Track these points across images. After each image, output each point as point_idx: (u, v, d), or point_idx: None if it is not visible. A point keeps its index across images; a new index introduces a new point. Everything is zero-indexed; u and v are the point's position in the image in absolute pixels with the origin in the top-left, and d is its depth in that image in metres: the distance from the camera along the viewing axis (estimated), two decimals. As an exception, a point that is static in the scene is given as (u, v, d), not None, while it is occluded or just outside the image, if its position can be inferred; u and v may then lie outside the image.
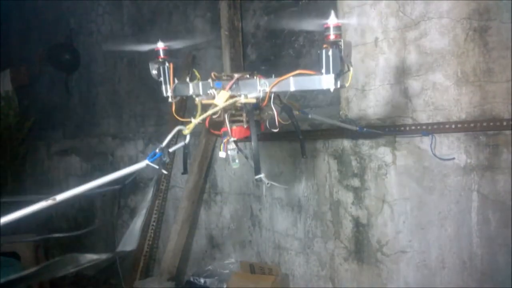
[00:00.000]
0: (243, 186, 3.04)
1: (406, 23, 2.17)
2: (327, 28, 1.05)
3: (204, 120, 1.22)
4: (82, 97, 4.54)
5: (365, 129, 2.16)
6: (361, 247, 2.43)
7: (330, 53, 1.05)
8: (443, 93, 2.08)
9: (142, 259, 3.35)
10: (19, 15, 5.20)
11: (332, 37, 1.04)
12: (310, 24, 2.79)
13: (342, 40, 1.04)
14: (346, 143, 2.46)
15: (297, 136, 1.49)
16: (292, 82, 1.16)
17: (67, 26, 4.56)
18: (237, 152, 1.23)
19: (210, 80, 1.29)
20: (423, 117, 2.14)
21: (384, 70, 2.26)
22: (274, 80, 1.19)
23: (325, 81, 1.08)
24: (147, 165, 1.19)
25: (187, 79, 1.35)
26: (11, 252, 3.37)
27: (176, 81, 1.36)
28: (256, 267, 2.85)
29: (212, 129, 1.29)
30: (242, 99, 1.20)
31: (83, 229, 4.39)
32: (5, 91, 5.12)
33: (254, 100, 1.21)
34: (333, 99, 2.66)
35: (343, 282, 2.53)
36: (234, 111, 1.25)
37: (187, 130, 1.23)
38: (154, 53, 1.38)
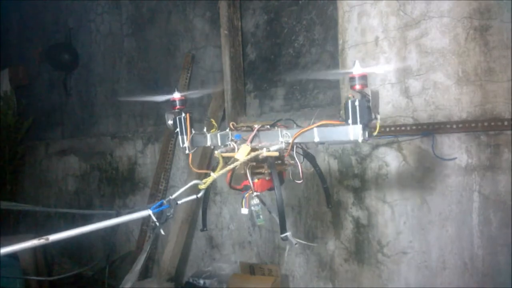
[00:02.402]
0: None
1: (407, 22, 2.16)
2: (352, 78, 1.02)
3: (224, 170, 1.14)
4: (81, 96, 4.52)
5: (367, 137, 2.14)
6: (361, 247, 2.42)
7: (356, 103, 1.01)
8: (444, 93, 2.07)
9: (141, 260, 3.33)
10: (18, 15, 5.18)
11: (357, 87, 1.01)
12: (310, 24, 2.78)
13: (370, 90, 1.01)
14: (347, 143, 2.44)
15: (322, 185, 1.41)
16: (316, 133, 1.11)
17: (66, 26, 4.55)
18: (260, 207, 1.17)
19: (227, 130, 1.25)
20: (424, 117, 2.13)
21: (385, 70, 2.24)
22: (296, 130, 1.14)
23: (353, 132, 1.04)
24: (149, 211, 1.12)
25: (204, 130, 1.30)
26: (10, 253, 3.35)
27: (193, 131, 1.32)
28: (256, 268, 2.83)
29: (233, 184, 1.21)
30: (264, 153, 1.13)
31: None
32: (4, 91, 5.11)
33: (277, 154, 1.15)
34: (334, 98, 2.64)
35: (343, 283, 2.51)
36: (255, 163, 1.19)
37: (203, 185, 1.13)
38: (170, 103, 1.32)
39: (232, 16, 2.97)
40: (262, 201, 1.21)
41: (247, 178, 1.15)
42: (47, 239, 0.99)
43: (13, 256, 3.28)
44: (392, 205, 2.28)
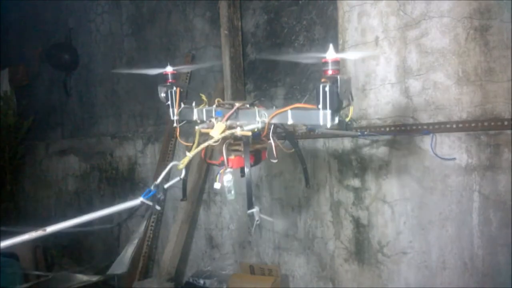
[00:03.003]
0: (242, 186, 3.02)
1: (407, 22, 2.16)
2: (325, 63, 1.02)
3: (199, 148, 1.20)
4: (81, 96, 4.52)
5: (365, 132, 2.15)
6: (361, 247, 2.41)
7: (327, 88, 1.01)
8: (444, 93, 2.07)
9: (141, 260, 3.33)
10: (18, 14, 5.18)
11: (330, 72, 1.01)
12: (310, 24, 2.78)
13: (338, 76, 1.01)
14: (347, 143, 2.44)
15: (301, 166, 1.47)
16: (290, 115, 1.15)
17: (66, 26, 4.55)
18: (233, 183, 1.22)
19: (213, 106, 1.28)
20: (424, 117, 2.13)
21: (385, 70, 2.25)
22: (273, 111, 1.18)
23: (322, 117, 1.05)
24: (142, 202, 1.17)
25: (193, 104, 1.36)
26: (10, 253, 3.35)
27: (182, 105, 1.38)
28: (256, 268, 2.83)
29: (209, 159, 1.30)
30: (238, 132, 1.18)
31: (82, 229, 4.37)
32: (4, 91, 5.10)
33: (249, 133, 1.19)
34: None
35: (343, 283, 2.51)
36: (232, 140, 1.24)
37: (181, 165, 1.22)
38: (163, 76, 1.39)
39: (232, 16, 2.97)
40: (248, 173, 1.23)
41: (222, 155, 1.20)
42: (44, 230, 1.02)
43: (13, 256, 3.29)
44: (392, 205, 2.28)
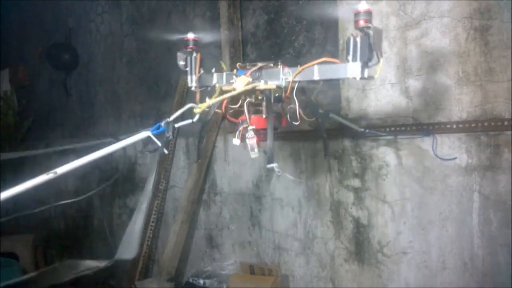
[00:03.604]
0: (243, 186, 3.03)
1: (407, 22, 2.16)
2: (357, 13, 0.98)
3: (220, 98, 1.14)
4: (81, 96, 4.52)
5: (367, 130, 2.15)
6: (361, 247, 2.42)
7: (358, 39, 0.97)
8: (444, 93, 2.07)
9: (141, 260, 3.33)
10: (18, 14, 5.18)
11: (362, 22, 0.97)
12: (310, 24, 2.78)
13: (372, 26, 0.96)
14: (347, 143, 2.44)
15: (321, 135, 1.40)
16: (317, 71, 1.10)
17: (66, 26, 4.55)
18: (255, 141, 1.16)
19: (234, 70, 1.25)
20: (424, 117, 2.13)
21: (385, 70, 2.24)
22: (298, 68, 1.13)
23: (351, 70, 1.00)
24: (149, 136, 1.15)
25: (213, 70, 1.32)
26: (10, 253, 3.36)
27: (202, 71, 1.34)
28: (256, 268, 2.83)
29: (230, 116, 1.23)
30: (262, 85, 1.13)
31: (82, 229, 4.38)
32: (4, 91, 5.11)
33: (273, 86, 1.14)
34: (334, 98, 2.64)
35: (343, 283, 2.51)
36: (254, 100, 1.19)
37: (198, 109, 1.16)
38: (183, 42, 1.34)
39: (232, 16, 2.97)
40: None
41: (244, 114, 1.16)
42: (55, 172, 1.00)
43: (13, 256, 3.29)
44: (392, 205, 2.28)
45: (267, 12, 2.99)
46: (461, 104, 2.03)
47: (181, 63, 1.35)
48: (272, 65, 1.22)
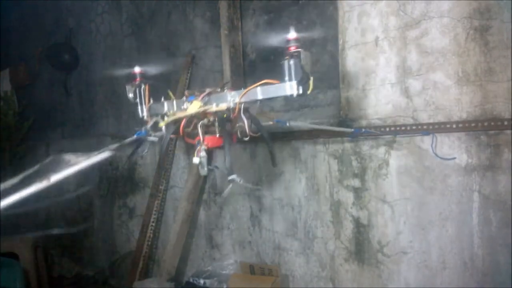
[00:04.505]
0: (243, 186, 3.03)
1: (407, 22, 2.16)
2: (288, 41, 1.18)
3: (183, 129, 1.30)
4: (81, 97, 4.52)
5: (363, 130, 2.16)
6: (361, 247, 2.42)
7: (291, 62, 1.17)
8: (444, 93, 2.07)
9: (141, 260, 3.33)
10: (18, 14, 5.18)
11: (292, 48, 1.17)
12: (310, 24, 2.78)
13: (301, 51, 1.16)
14: (347, 143, 2.44)
15: (268, 147, 1.56)
16: (259, 92, 1.26)
17: (66, 26, 4.55)
18: (206, 160, 1.31)
19: (183, 98, 1.38)
20: (424, 117, 2.13)
21: (385, 70, 2.25)
22: (242, 91, 1.29)
23: (289, 88, 1.19)
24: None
25: (162, 99, 1.44)
26: (10, 253, 3.35)
27: (151, 101, 1.46)
28: (256, 268, 2.83)
29: (187, 138, 1.38)
30: (213, 108, 1.29)
31: (83, 229, 4.38)
32: (4, 91, 5.11)
33: (224, 107, 1.29)
34: (333, 98, 2.64)
35: (343, 283, 2.52)
36: (206, 122, 1.34)
37: (162, 123, 1.36)
38: (131, 76, 1.46)
39: (232, 16, 2.98)
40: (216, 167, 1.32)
41: (199, 135, 1.31)
42: (49, 180, 1.05)
43: (13, 256, 3.29)
44: (392, 205, 2.28)
45: (267, 12, 2.99)
46: (461, 104, 2.03)
47: (130, 95, 1.49)
48: (219, 89, 1.38)
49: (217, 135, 1.32)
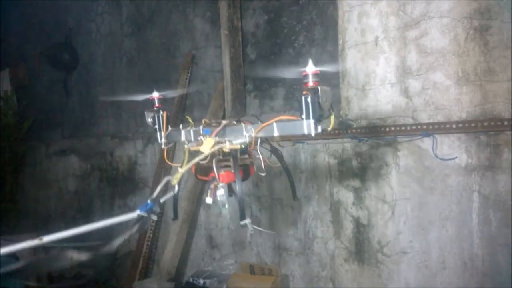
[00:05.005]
0: (242, 186, 3.03)
1: (407, 22, 2.16)
2: (306, 76, 1.09)
3: (194, 165, 1.24)
4: (81, 96, 4.52)
5: (366, 139, 2.16)
6: (361, 247, 2.42)
7: (309, 99, 1.08)
8: (444, 93, 2.07)
9: (141, 260, 3.33)
10: (18, 15, 5.18)
11: (310, 84, 1.09)
12: (310, 24, 2.78)
13: (319, 87, 1.08)
14: (347, 144, 2.44)
15: (288, 179, 1.49)
16: (276, 128, 1.19)
17: (66, 26, 4.55)
18: (227, 197, 1.26)
19: (200, 127, 1.33)
20: (423, 117, 2.13)
21: (385, 70, 2.25)
22: (259, 125, 1.22)
23: (307, 127, 1.10)
24: (139, 215, 1.21)
25: (181, 126, 1.40)
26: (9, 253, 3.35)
27: (169, 128, 1.43)
28: (256, 268, 2.83)
29: (199, 175, 1.32)
30: (227, 146, 1.22)
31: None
32: (4, 91, 5.10)
33: (238, 146, 1.23)
34: (334, 98, 2.64)
35: (343, 282, 2.51)
36: (221, 156, 1.27)
37: (174, 180, 1.28)
38: (149, 102, 1.43)
39: (232, 16, 2.97)
40: (233, 192, 1.28)
41: (213, 171, 1.24)
42: (41, 239, 1.05)
43: (13, 256, 3.29)
44: (392, 205, 2.28)
45: (267, 12, 2.99)
46: (460, 104, 2.03)
47: (149, 120, 1.44)
48: (235, 122, 1.30)
49: (233, 170, 1.24)
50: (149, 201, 1.25)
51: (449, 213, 2.10)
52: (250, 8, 3.06)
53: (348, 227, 2.47)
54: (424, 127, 2.11)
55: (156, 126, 1.43)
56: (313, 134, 1.09)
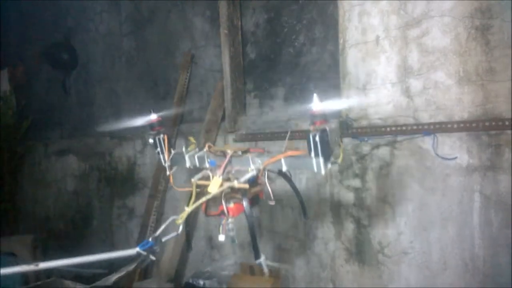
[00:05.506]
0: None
1: (408, 22, 2.15)
2: (313, 115, 1.08)
3: (197, 203, 1.21)
4: (80, 96, 4.51)
5: (367, 139, 2.15)
6: (362, 248, 2.41)
7: (317, 138, 1.08)
8: (445, 92, 2.06)
9: (141, 260, 3.31)
10: (17, 14, 5.16)
11: (318, 124, 1.08)
12: (310, 23, 2.77)
13: (327, 128, 1.08)
14: (347, 144, 2.43)
15: (297, 199, 1.49)
16: (284, 162, 1.20)
17: (65, 25, 4.53)
18: (235, 231, 1.23)
19: (205, 152, 1.31)
20: (425, 117, 2.12)
21: (386, 69, 2.23)
22: (266, 158, 1.21)
23: (316, 165, 1.11)
24: (138, 252, 1.19)
25: (183, 149, 1.38)
26: (9, 253, 3.34)
27: (172, 151, 1.41)
28: (256, 269, 2.82)
29: (209, 211, 1.28)
30: (235, 185, 1.19)
31: (82, 230, 4.36)
32: (3, 91, 5.09)
33: (247, 186, 1.20)
34: (334, 98, 2.63)
35: (344, 283, 2.50)
36: (230, 189, 1.24)
37: (180, 220, 1.24)
38: (150, 125, 1.42)
39: (232, 15, 2.96)
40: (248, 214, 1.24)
41: (222, 205, 1.21)
42: (37, 265, 1.05)
43: (12, 255, 3.28)
44: (393, 205, 2.27)
45: (267, 11, 2.97)
46: (462, 103, 2.02)
47: (151, 141, 1.43)
48: (240, 153, 1.28)
49: (241, 202, 1.22)
50: (150, 239, 1.22)
51: (450, 213, 2.09)
52: (250, 7, 3.05)
53: (349, 228, 2.46)
54: (425, 127, 2.09)
55: (158, 149, 1.41)
56: (323, 172, 1.10)
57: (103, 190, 4.17)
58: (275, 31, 2.94)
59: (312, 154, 1.09)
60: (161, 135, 1.41)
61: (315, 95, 1.07)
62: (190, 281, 2.97)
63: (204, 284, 2.88)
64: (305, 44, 2.80)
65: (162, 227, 1.25)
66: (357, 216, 2.41)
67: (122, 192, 3.96)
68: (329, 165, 1.11)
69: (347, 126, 2.34)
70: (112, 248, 4.04)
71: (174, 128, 3.38)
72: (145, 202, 3.48)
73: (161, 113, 1.44)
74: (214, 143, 3.15)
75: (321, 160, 1.09)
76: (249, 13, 3.06)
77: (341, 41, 2.38)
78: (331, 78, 2.64)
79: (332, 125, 1.06)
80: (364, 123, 2.32)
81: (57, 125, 4.79)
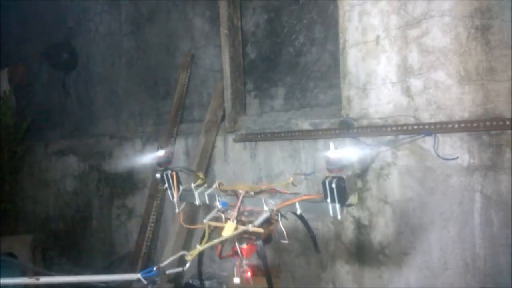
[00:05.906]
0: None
1: (408, 21, 2.15)
2: (329, 162, 1.08)
3: (209, 244, 1.20)
4: (80, 96, 4.50)
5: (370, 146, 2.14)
6: (362, 248, 2.40)
7: (333, 185, 1.07)
8: (446, 92, 2.06)
9: (140, 260, 3.31)
10: (17, 14, 5.17)
11: (335, 171, 1.08)
12: (310, 23, 2.76)
13: (345, 177, 1.07)
14: (348, 143, 2.43)
15: (309, 233, 1.49)
16: (299, 206, 1.19)
17: (65, 25, 4.54)
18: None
19: (216, 191, 1.30)
20: (425, 116, 2.12)
21: (386, 69, 2.23)
22: (279, 200, 1.20)
23: (332, 210, 1.11)
24: (139, 278, 1.18)
25: (192, 185, 1.37)
26: (9, 253, 3.34)
27: (181, 188, 1.40)
28: (256, 269, 2.81)
29: (223, 254, 1.27)
30: (250, 228, 1.18)
31: (81, 230, 4.36)
32: (3, 91, 5.09)
33: (261, 230, 1.19)
34: (334, 98, 2.63)
35: (344, 284, 2.50)
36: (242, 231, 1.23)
37: (189, 257, 1.20)
38: (157, 162, 1.41)
39: (232, 15, 2.96)
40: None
41: (235, 244, 1.20)
42: (38, 279, 1.06)
43: (11, 256, 3.27)
44: (393, 205, 2.27)
45: (267, 11, 2.97)
46: (462, 103, 2.02)
47: (158, 176, 1.43)
48: (253, 193, 1.27)
49: (255, 243, 1.21)
50: (154, 269, 1.21)
51: (451, 213, 2.09)
52: (250, 7, 3.05)
53: (349, 228, 2.45)
54: (426, 126, 2.09)
55: (166, 185, 1.40)
56: (339, 217, 1.10)
57: (102, 190, 4.17)
58: (275, 31, 2.93)
59: (329, 199, 1.09)
60: (169, 171, 1.39)
61: (331, 144, 1.08)
62: (190, 281, 2.96)
63: (204, 284, 2.88)
64: (305, 44, 2.80)
65: (169, 259, 1.22)
66: (357, 216, 2.41)
67: (121, 192, 3.96)
68: (345, 210, 1.10)
69: (348, 125, 2.34)
70: (112, 248, 4.04)
71: (174, 128, 3.38)
72: (145, 202, 3.48)
73: (168, 149, 1.43)
74: (214, 143, 3.15)
75: (337, 206, 1.09)
76: (249, 13, 3.06)
77: (341, 41, 2.38)
78: (331, 78, 2.64)
79: (349, 172, 1.09)
80: (364, 122, 2.31)
81: (57, 125, 4.79)
